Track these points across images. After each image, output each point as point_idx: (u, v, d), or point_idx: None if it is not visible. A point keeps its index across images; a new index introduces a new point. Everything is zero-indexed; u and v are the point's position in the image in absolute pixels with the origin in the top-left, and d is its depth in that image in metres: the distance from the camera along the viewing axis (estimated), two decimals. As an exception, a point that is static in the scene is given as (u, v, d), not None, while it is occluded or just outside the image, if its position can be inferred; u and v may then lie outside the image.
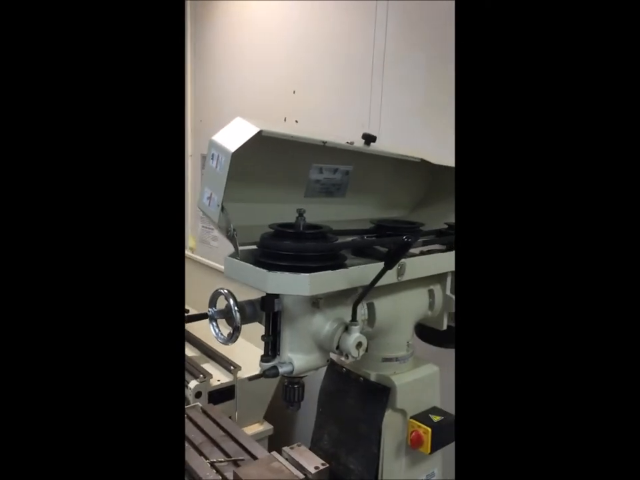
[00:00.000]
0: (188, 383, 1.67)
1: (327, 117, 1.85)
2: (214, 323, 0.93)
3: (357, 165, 1.21)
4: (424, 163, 1.23)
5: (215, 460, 1.15)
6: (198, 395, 1.66)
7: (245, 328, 0.92)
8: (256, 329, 0.95)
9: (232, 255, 0.92)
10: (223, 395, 1.74)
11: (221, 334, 0.92)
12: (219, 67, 2.44)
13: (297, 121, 1.97)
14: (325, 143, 0.99)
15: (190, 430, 1.27)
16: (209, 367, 1.84)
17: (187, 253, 2.73)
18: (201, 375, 1.70)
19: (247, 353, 1.75)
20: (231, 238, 0.90)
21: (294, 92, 1.97)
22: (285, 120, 2.01)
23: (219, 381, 1.75)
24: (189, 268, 2.66)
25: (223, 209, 0.90)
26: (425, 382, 1.13)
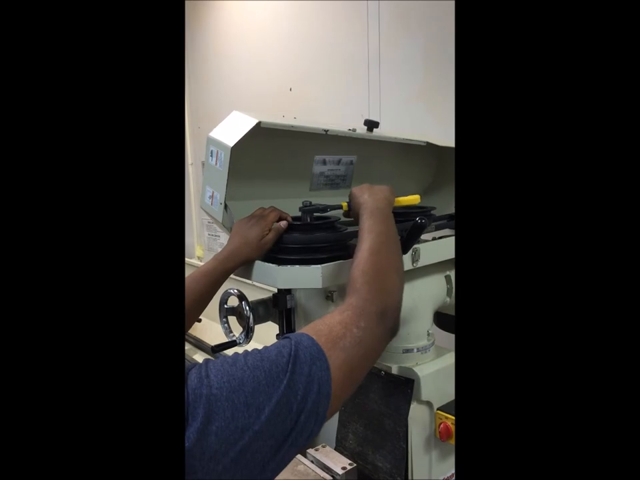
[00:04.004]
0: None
1: (325, 112, 1.82)
2: (226, 325, 0.90)
3: (361, 155, 1.18)
4: (429, 147, 1.19)
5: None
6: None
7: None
8: (267, 330, 0.92)
9: (239, 254, 0.89)
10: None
11: (233, 335, 0.89)
12: (213, 71, 2.42)
13: (295, 118, 1.94)
14: (326, 131, 0.96)
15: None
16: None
17: (195, 262, 2.70)
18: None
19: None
20: (237, 236, 0.87)
21: (290, 89, 1.94)
22: (283, 117, 1.98)
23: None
24: (198, 277, 2.63)
25: (226, 207, 0.87)
26: (449, 371, 1.09)
